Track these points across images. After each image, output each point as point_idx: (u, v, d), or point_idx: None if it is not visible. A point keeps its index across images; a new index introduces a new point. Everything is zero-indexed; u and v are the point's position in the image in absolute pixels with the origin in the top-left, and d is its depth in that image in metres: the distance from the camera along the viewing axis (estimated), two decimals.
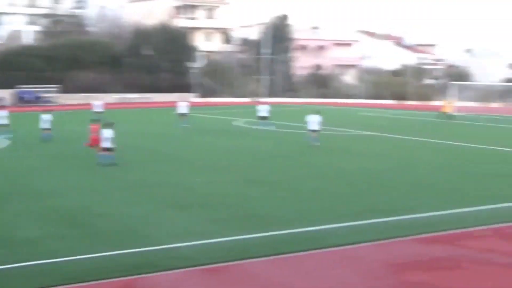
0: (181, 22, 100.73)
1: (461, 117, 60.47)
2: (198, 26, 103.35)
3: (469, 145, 39.03)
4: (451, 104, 61.38)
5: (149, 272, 14.47)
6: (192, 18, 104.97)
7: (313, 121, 37.81)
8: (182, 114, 50.32)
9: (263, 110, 48.84)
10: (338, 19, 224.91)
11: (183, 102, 51.57)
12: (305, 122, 38.55)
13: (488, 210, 21.06)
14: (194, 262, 15.21)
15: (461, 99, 77.47)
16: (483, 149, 37.42)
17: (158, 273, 14.45)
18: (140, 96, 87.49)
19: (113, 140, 29.81)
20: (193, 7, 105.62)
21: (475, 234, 18.09)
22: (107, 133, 29.83)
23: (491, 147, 38.12)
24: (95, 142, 31.40)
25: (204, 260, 15.36)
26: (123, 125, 30.66)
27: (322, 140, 37.73)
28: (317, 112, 38.68)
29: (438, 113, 59.97)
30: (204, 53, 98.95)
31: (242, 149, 36.31)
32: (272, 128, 47.25)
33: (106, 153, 29.76)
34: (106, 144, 29.75)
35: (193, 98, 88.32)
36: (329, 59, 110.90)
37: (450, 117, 58.52)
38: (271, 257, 15.67)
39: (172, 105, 55.90)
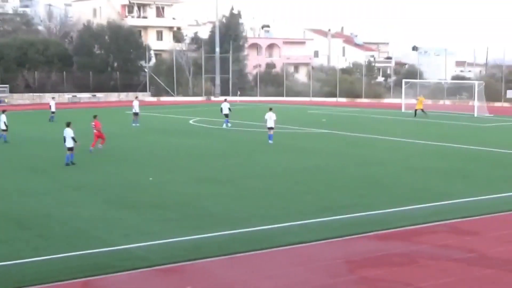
0: (131, 21, 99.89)
1: (410, 114, 61.12)
2: (149, 25, 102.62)
3: (419, 141, 39.43)
4: (422, 100, 62.22)
5: (103, 274, 14.23)
6: (143, 17, 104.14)
7: (270, 119, 38.15)
8: (134, 114, 49.98)
9: (225, 108, 48.79)
10: (290, 18, 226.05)
11: (135, 102, 51.22)
12: (264, 120, 38.72)
13: (441, 206, 21.24)
14: (148, 262, 15.00)
15: (411, 96, 78.41)
16: (432, 145, 37.80)
17: (112, 275, 14.22)
18: (91, 95, 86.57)
19: (73, 139, 29.64)
20: (143, 5, 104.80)
21: (429, 230, 18.21)
22: (69, 132, 29.56)
23: (439, 143, 38.54)
24: (99, 137, 34.49)
25: (158, 260, 15.17)
26: (74, 125, 30.43)
27: (273, 138, 37.89)
28: (270, 109, 39.03)
29: (421, 111, 60.55)
30: (156, 52, 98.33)
31: (194, 148, 36.09)
32: (225, 126, 47.20)
33: (69, 152, 29.51)
34: (69, 144, 29.50)
35: (145, 97, 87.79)
36: (281, 58, 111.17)
37: (422, 113, 59.48)
38: (226, 257, 15.54)
39: (123, 105, 55.54)
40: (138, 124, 48.69)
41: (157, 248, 16.15)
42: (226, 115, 48.23)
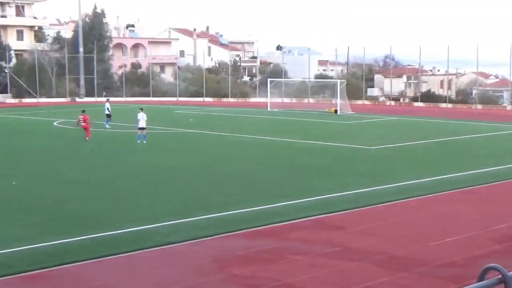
0: None
1: (276, 113, 62.22)
2: (8, 24, 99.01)
3: (285, 139, 40.18)
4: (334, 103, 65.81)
5: None
6: (2, 16, 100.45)
7: (142, 119, 37.96)
8: None
9: (107, 108, 48.58)
10: (154, 17, 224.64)
11: None
12: (137, 121, 38.45)
13: (308, 202, 21.74)
14: (13, 270, 14.51)
15: (276, 95, 79.74)
16: (298, 143, 38.63)
17: None
18: None
19: None
20: (2, 4, 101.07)
21: (297, 226, 18.59)
22: None
23: (305, 141, 39.44)
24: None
25: (23, 267, 14.70)
26: None
27: (141, 138, 37.71)
28: (141, 109, 39.09)
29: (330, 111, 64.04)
30: (16, 52, 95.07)
31: (60, 150, 35.22)
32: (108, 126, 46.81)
33: None
34: None
35: (6, 99, 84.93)
36: (147, 58, 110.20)
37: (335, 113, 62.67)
38: (95, 260, 15.26)
39: None
40: None
41: (21, 254, 15.65)
42: (108, 116, 48.03)
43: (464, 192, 23.94)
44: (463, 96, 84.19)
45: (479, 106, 75.41)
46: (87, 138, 38.60)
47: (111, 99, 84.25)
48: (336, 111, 63.69)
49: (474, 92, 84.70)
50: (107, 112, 48.45)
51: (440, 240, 17.17)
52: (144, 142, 37.33)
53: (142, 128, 37.96)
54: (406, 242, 16.96)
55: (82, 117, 39.51)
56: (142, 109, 39.29)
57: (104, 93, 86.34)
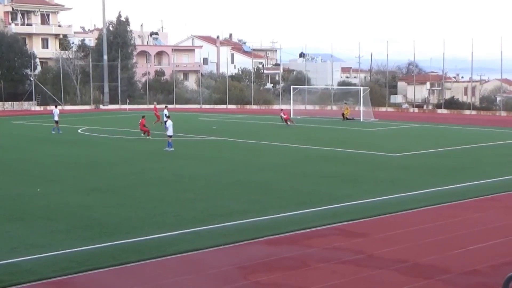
0: (15, 28, 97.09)
1: (299, 120, 62.16)
2: (33, 32, 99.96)
3: (307, 146, 40.15)
4: (349, 108, 66.72)
5: None
6: (27, 24, 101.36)
7: (170, 127, 38.17)
8: (56, 121, 49.69)
9: (165, 115, 49.58)
10: (178, 25, 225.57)
11: (55, 110, 51.05)
12: (166, 128, 38.73)
13: (330, 209, 21.70)
14: (37, 276, 14.63)
15: (299, 102, 79.73)
16: (320, 150, 38.56)
17: None
18: None
19: None
20: (28, 12, 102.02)
21: (319, 233, 18.56)
22: None
23: (328, 148, 39.37)
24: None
25: (47, 273, 14.82)
26: None
27: (163, 146, 37.86)
28: (167, 117, 39.38)
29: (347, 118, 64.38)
30: (41, 60, 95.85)
31: (84, 158, 35.40)
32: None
33: None
34: None
35: (31, 106, 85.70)
36: (170, 65, 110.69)
37: (348, 119, 63.21)
38: (118, 267, 15.34)
39: (8, 114, 53.98)
40: (61, 132, 49.04)
41: (46, 261, 15.78)
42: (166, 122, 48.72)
43: (488, 200, 23.78)
44: (487, 103, 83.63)
45: (503, 113, 74.90)
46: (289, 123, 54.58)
47: (134, 106, 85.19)
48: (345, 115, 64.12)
49: (498, 99, 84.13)
50: (165, 118, 48.97)
51: (463, 247, 17.07)
52: (168, 149, 37.44)
53: (169, 136, 38.04)
54: (429, 249, 16.86)
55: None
56: (169, 117, 39.52)
57: (127, 101, 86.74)
